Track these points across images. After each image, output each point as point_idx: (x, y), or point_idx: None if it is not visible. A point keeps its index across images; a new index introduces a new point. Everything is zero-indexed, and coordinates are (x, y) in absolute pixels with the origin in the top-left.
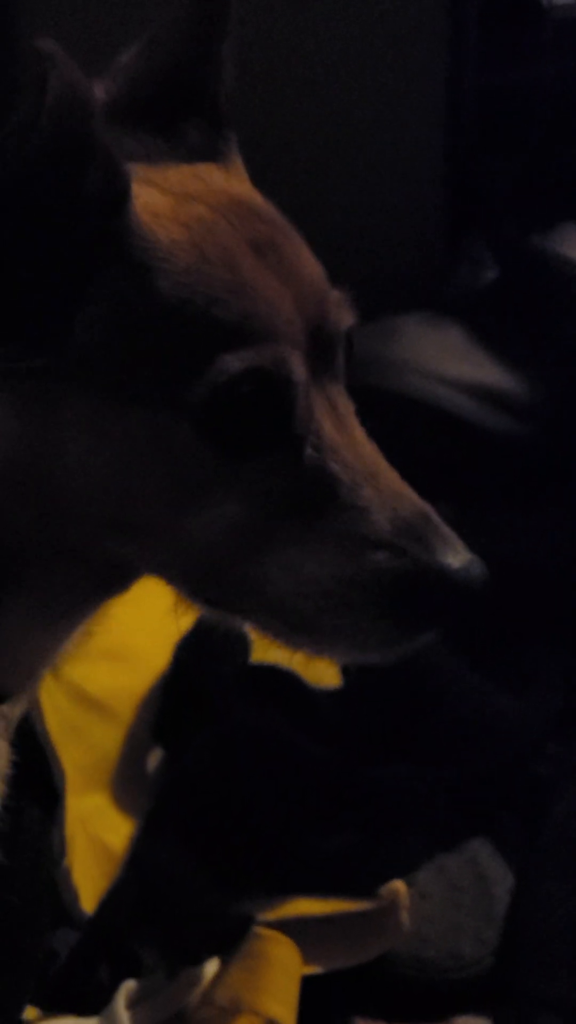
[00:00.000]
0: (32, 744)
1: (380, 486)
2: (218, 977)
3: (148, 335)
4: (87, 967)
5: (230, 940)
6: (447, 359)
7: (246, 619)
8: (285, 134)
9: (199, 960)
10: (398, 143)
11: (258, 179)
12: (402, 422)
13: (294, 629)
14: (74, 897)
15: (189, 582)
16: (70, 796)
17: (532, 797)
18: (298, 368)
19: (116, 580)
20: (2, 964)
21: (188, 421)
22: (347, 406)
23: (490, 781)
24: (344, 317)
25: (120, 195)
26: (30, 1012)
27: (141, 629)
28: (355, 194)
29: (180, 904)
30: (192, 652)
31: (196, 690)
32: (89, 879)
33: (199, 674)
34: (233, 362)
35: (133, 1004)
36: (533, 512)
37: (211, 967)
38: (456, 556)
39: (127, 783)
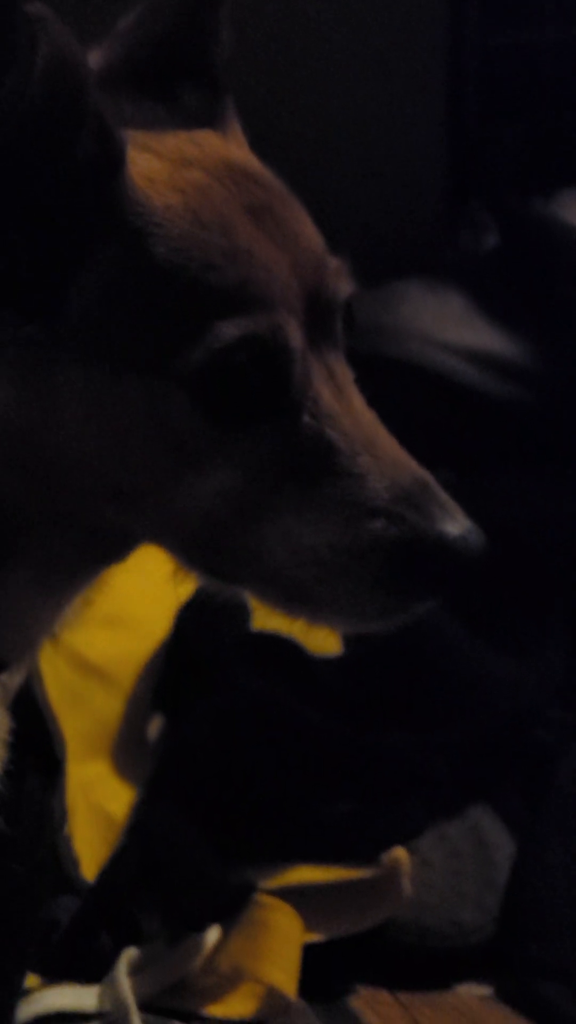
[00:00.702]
0: (33, 711)
1: (378, 454)
2: (220, 945)
3: (143, 301)
4: (88, 935)
5: (231, 908)
6: (447, 325)
7: (243, 588)
8: (284, 99)
9: (200, 928)
10: (399, 107)
11: (256, 144)
12: (402, 388)
13: (291, 598)
14: (75, 864)
15: (186, 551)
16: (71, 763)
17: (533, 763)
18: (294, 335)
19: (115, 548)
20: (3, 932)
21: (183, 388)
22: (346, 374)
23: (490, 747)
24: (343, 286)
25: (115, 161)
26: (32, 980)
27: (142, 596)
28: (356, 158)
29: (181, 872)
30: (193, 619)
31: (197, 657)
32: (90, 846)
33: (200, 641)
34: (229, 329)
35: (135, 971)
36: (532, 478)
37: (212, 935)
38: (455, 524)
39: (128, 750)
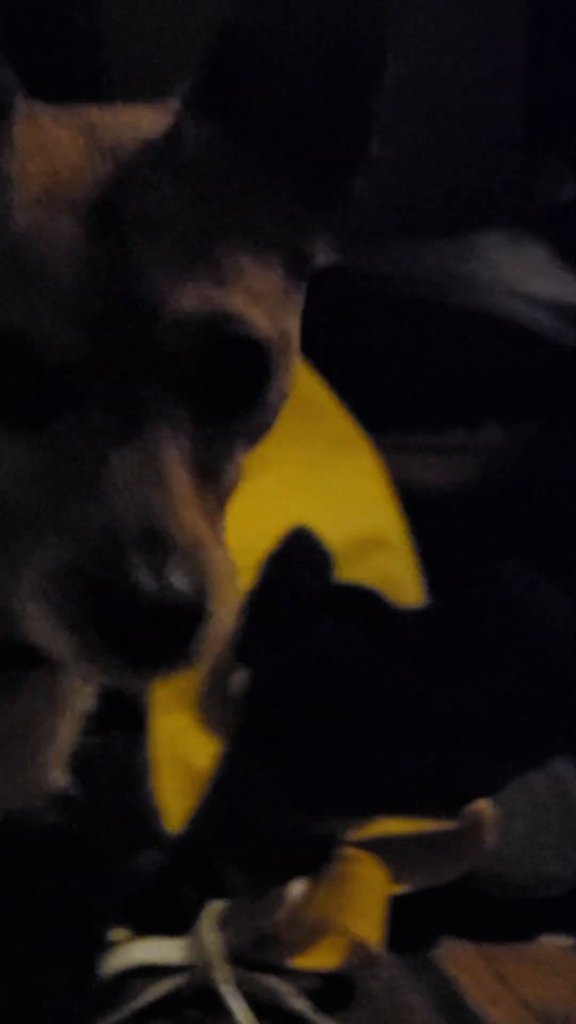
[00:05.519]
0: None
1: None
2: (305, 898)
3: None
4: (174, 888)
5: (316, 860)
6: (530, 276)
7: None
8: None
9: (285, 881)
10: (477, 53)
11: None
12: (481, 341)
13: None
14: (159, 817)
15: None
16: (156, 716)
17: None
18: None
19: None
20: (90, 885)
21: None
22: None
23: (572, 699)
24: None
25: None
26: (118, 933)
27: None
28: (434, 106)
29: (266, 825)
30: (276, 571)
31: (280, 609)
32: (175, 799)
33: (283, 593)
34: None
35: (220, 925)
36: None
37: (297, 888)
38: (155, 577)
39: (211, 703)
